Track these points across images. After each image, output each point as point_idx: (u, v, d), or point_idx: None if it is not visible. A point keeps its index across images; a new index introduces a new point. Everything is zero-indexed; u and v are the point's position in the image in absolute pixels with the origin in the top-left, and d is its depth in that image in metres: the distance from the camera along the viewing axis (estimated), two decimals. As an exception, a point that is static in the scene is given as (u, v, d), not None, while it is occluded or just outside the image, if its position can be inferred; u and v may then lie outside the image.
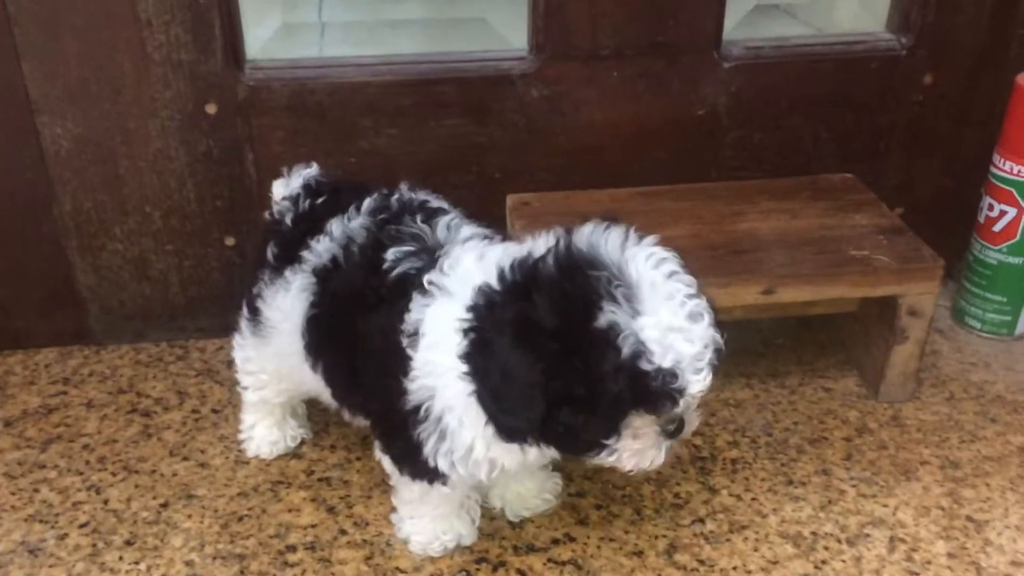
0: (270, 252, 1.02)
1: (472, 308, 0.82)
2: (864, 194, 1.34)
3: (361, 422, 1.02)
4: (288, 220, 1.03)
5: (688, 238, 1.23)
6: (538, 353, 0.77)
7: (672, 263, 0.79)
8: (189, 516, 1.06)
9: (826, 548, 1.03)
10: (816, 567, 1.00)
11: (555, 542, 1.03)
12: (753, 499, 1.09)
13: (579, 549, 1.03)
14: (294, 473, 1.13)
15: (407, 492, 1.00)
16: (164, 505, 1.08)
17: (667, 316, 0.76)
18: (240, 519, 1.06)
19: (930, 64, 1.34)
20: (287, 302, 0.98)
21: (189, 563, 1.00)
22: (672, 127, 1.33)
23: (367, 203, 0.98)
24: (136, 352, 1.35)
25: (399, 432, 0.90)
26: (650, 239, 0.81)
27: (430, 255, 0.90)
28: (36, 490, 1.10)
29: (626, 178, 1.35)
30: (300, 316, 0.96)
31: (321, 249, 0.96)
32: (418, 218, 0.95)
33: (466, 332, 0.81)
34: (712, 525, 1.06)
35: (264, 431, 1.15)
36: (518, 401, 0.79)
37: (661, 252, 0.80)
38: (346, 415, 1.02)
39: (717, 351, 0.79)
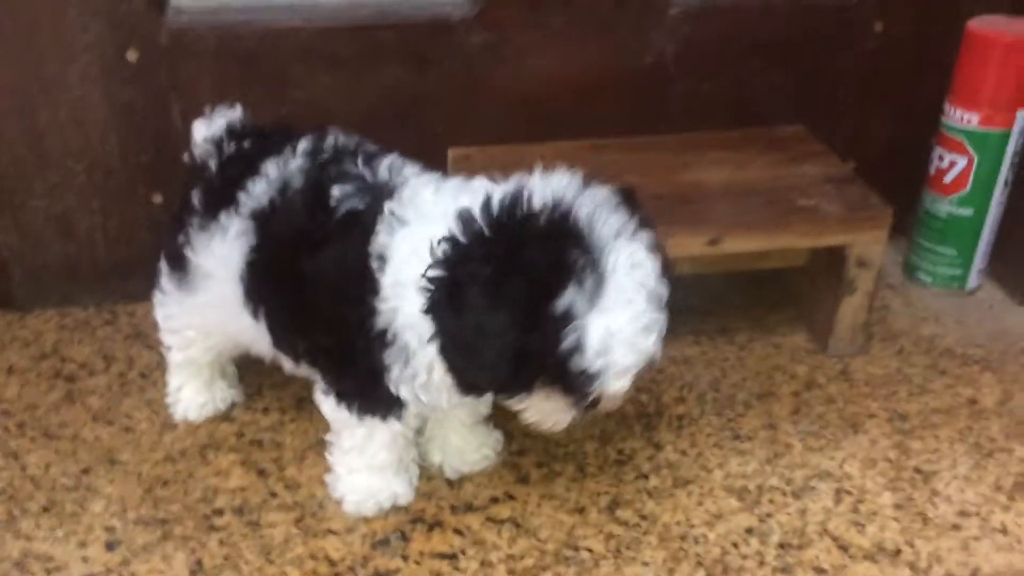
0: (197, 198, 0.97)
1: (450, 240, 0.80)
2: (814, 145, 1.31)
3: (303, 369, 0.97)
4: (212, 164, 0.98)
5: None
6: (514, 318, 0.76)
7: (648, 270, 0.78)
8: (111, 481, 1.01)
9: (771, 501, 1.01)
10: (760, 520, 0.98)
11: (494, 501, 1.00)
12: (698, 454, 1.07)
13: (519, 507, 0.99)
14: (224, 436, 1.08)
15: (349, 439, 0.96)
16: (85, 471, 1.03)
17: (617, 322, 0.76)
18: (165, 483, 1.01)
19: (879, 11, 1.31)
20: (224, 248, 0.93)
21: (109, 529, 0.95)
22: (619, 76, 1.29)
23: (303, 145, 0.94)
24: (62, 316, 1.29)
25: (355, 362, 0.88)
26: (646, 236, 0.80)
27: (376, 193, 0.88)
28: (-52, 458, 1.04)
29: (571, 130, 1.31)
30: (239, 261, 0.92)
31: (258, 192, 0.92)
32: (359, 160, 0.92)
33: (439, 264, 0.79)
34: (656, 480, 1.03)
35: (192, 393, 1.10)
36: (489, 360, 0.78)
37: (643, 256, 0.78)
38: (286, 364, 0.98)
39: (650, 364, 0.80)
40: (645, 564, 0.93)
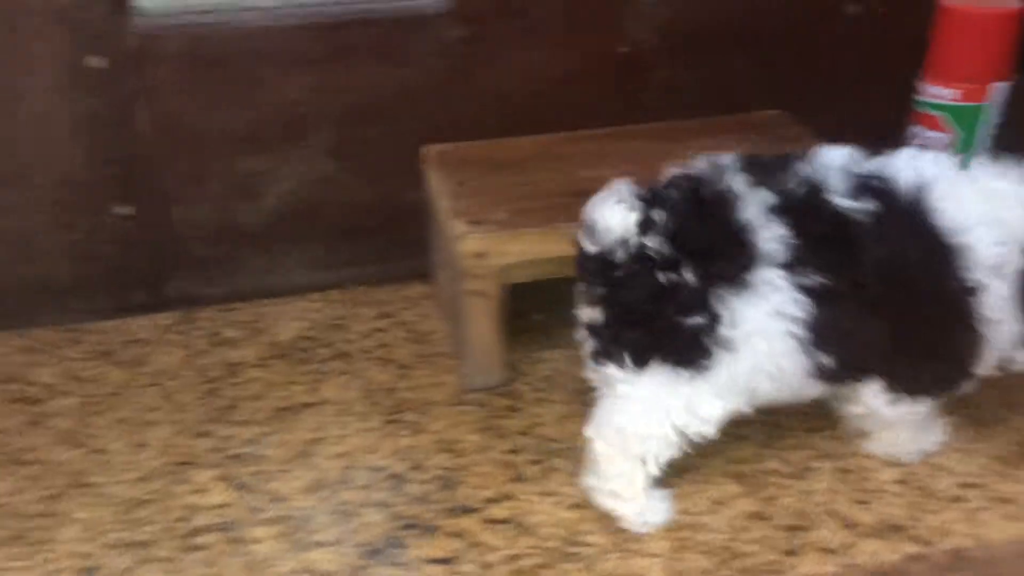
0: (688, 274, 0.85)
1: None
2: (793, 128, 1.30)
3: None
4: (649, 251, 0.87)
5: (623, 177, 1.17)
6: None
7: None
8: (83, 506, 0.95)
9: None
10: None
11: (493, 501, 0.95)
12: None
13: (517, 505, 0.94)
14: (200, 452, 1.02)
15: None
16: (55, 497, 0.96)
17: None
18: (141, 504, 0.95)
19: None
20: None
21: (84, 555, 0.89)
22: (594, 67, 1.27)
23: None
24: (22, 339, 1.22)
25: None
26: None
27: None
28: (-96, 492, 0.97)
29: (544, 124, 1.26)
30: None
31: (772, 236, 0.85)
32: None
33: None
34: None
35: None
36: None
37: None
38: None
39: None
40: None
